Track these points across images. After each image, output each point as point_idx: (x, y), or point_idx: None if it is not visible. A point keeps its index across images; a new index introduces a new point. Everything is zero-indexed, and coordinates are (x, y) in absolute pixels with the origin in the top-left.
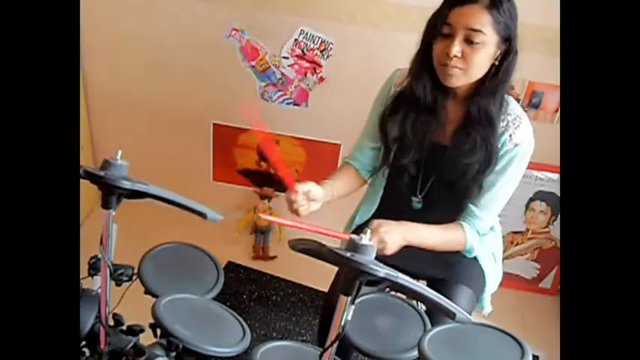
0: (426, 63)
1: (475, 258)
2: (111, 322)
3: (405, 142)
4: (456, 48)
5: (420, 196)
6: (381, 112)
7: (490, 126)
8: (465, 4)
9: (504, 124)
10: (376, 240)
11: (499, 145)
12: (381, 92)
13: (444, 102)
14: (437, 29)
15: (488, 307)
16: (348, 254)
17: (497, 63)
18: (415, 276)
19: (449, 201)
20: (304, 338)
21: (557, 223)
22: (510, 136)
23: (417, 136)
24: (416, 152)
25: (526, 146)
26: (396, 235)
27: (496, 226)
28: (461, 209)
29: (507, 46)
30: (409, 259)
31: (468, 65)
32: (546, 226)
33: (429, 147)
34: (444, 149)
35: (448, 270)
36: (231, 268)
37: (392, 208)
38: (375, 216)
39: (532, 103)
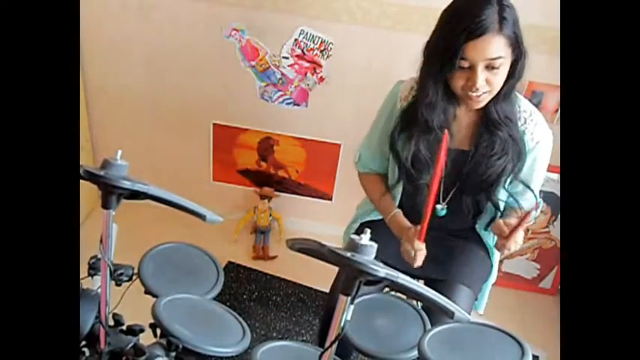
0: (443, 90)
1: (474, 257)
2: (111, 322)
3: (421, 160)
4: (481, 79)
5: (444, 203)
6: (388, 130)
7: (512, 122)
8: (478, 36)
9: (522, 122)
10: (513, 242)
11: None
12: (385, 106)
13: (454, 112)
14: (452, 63)
15: (482, 306)
16: (349, 254)
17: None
18: (414, 276)
19: (473, 204)
20: (304, 338)
21: (557, 223)
22: (532, 134)
23: (434, 153)
24: (433, 167)
25: (547, 141)
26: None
27: None
28: (484, 210)
29: (517, 50)
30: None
31: (493, 87)
32: (546, 226)
33: (448, 155)
34: (465, 154)
35: (447, 270)
36: (231, 268)
37: (410, 212)
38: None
39: (532, 104)
